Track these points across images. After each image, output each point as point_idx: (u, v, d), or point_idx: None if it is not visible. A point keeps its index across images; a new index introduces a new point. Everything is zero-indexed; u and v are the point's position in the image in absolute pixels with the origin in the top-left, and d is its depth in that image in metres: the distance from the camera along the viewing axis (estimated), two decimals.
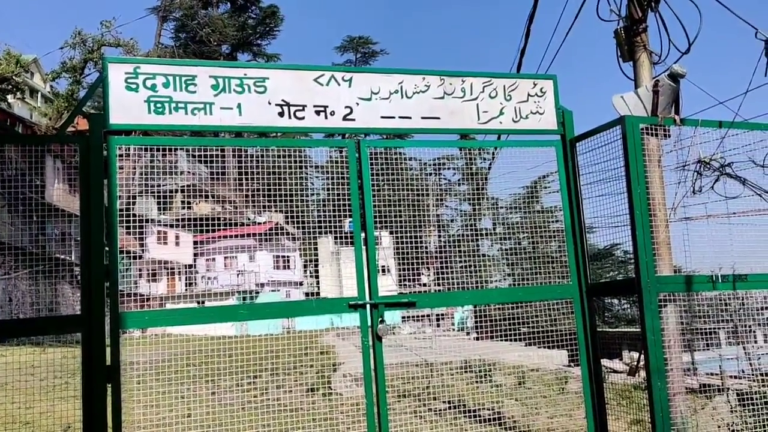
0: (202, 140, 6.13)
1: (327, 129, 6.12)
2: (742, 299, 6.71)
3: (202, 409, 7.52)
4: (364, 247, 6.08)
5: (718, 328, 7.22)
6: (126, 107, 5.53)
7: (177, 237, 21.19)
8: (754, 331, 7.40)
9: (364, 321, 5.94)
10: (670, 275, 6.18)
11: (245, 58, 69.62)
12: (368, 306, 5.96)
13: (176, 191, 18.74)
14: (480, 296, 6.73)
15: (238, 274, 18.85)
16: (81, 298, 5.17)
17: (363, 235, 6.14)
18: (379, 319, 5.95)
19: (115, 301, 5.29)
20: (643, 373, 14.21)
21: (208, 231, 17.44)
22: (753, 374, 8.38)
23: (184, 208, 19.22)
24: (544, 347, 7.65)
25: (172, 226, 18.97)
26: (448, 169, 10.13)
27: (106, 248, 5.32)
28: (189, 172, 17.88)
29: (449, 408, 9.49)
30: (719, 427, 6.42)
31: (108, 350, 5.25)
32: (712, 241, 6.39)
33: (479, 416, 8.48)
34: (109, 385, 5.19)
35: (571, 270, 6.57)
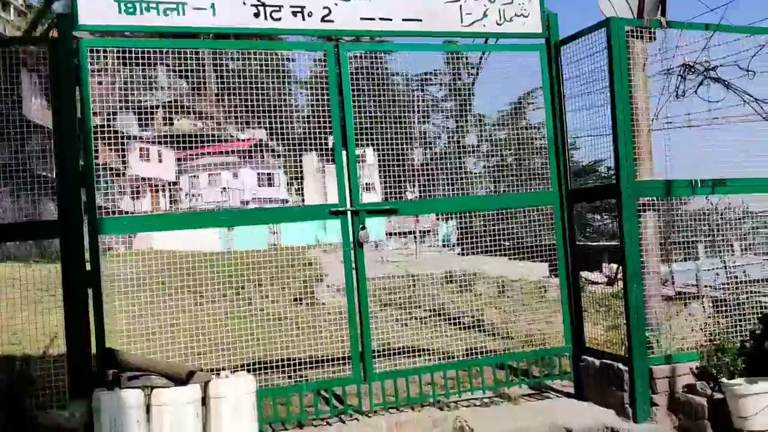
0: (175, 42, 5.90)
1: (305, 31, 5.91)
2: (721, 213, 6.71)
3: (187, 319, 7.56)
4: (345, 157, 5.98)
5: (697, 241, 7.25)
6: (95, 7, 5.29)
7: (159, 153, 20.93)
8: (732, 243, 7.46)
9: (345, 228, 5.91)
10: (650, 180, 6.16)
11: None
12: (349, 213, 5.92)
13: (157, 107, 18.41)
14: (461, 203, 6.70)
15: (222, 191, 18.75)
16: (57, 205, 5.07)
17: (345, 151, 6.04)
18: (360, 226, 5.92)
19: (93, 207, 5.21)
20: (621, 283, 14.49)
21: (190, 147, 17.19)
22: (729, 283, 8.58)
23: (165, 123, 18.90)
24: (527, 260, 7.74)
25: (153, 142, 18.69)
26: (434, 84, 9.80)
27: (81, 155, 5.20)
28: (169, 87, 17.47)
29: (431, 316, 9.62)
30: (692, 329, 6.54)
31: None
32: (694, 149, 6.34)
33: (461, 323, 8.61)
34: (90, 290, 5.18)
35: (552, 177, 6.53)
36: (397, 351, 6.78)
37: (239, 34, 6.13)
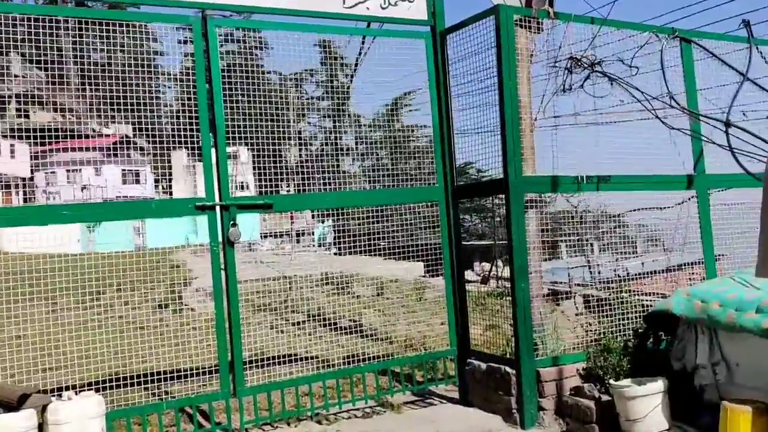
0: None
1: (166, 1, 5.07)
2: (581, 215, 6.52)
3: (36, 330, 6.50)
4: (214, 149, 5.20)
5: (563, 241, 7.11)
6: None
7: (12, 147, 18.78)
8: (592, 243, 7.38)
9: (213, 225, 5.13)
10: (538, 175, 5.81)
11: None
12: (218, 208, 5.14)
13: (10, 98, 16.47)
14: (341, 198, 6.06)
15: (82, 189, 17.09)
16: None
17: (214, 139, 5.25)
18: (231, 222, 5.16)
19: None
20: (493, 282, 14.47)
21: (48, 142, 15.52)
22: (593, 282, 8.59)
23: (20, 116, 16.96)
24: (405, 260, 7.37)
25: (5, 136, 16.63)
26: (310, 83, 9.64)
27: None
28: (23, 76, 15.66)
29: (308, 320, 8.95)
30: (575, 327, 6.29)
31: None
32: (578, 146, 6.09)
33: (339, 326, 8.01)
34: None
35: (438, 172, 6.06)
36: (271, 360, 6.06)
37: None
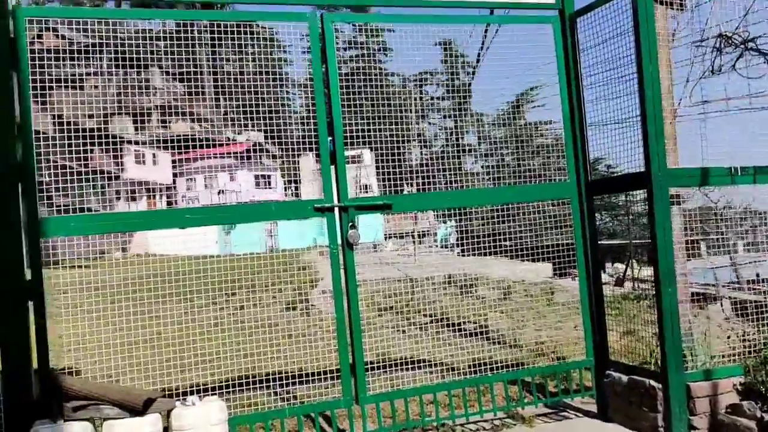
0: (129, 12, 4.90)
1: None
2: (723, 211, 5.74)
3: (173, 327, 6.64)
4: (332, 149, 4.98)
5: (703, 239, 6.35)
6: None
7: (154, 156, 19.89)
8: (735, 243, 6.57)
9: (331, 227, 4.90)
10: (684, 168, 5.14)
11: None
12: (336, 209, 4.91)
13: (151, 109, 17.42)
14: (464, 196, 5.65)
15: (219, 193, 17.74)
16: None
17: (331, 138, 5.03)
18: (350, 224, 4.91)
19: (33, 204, 4.20)
20: (628, 284, 13.49)
21: (186, 150, 16.23)
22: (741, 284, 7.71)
23: (160, 127, 17.92)
24: (532, 261, 6.90)
25: (147, 144, 17.70)
26: (430, 84, 8.98)
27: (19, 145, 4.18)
28: (163, 89, 16.50)
29: (432, 322, 8.62)
30: (728, 335, 5.54)
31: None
32: (727, 133, 5.34)
33: (464, 330, 7.63)
34: (31, 303, 4.16)
35: (569, 167, 5.53)
36: (394, 363, 5.78)
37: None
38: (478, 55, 7.10)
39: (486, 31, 5.67)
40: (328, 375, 5.64)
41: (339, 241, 4.90)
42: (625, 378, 5.23)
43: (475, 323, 8.81)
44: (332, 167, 5.03)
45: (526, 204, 5.80)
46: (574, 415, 5.64)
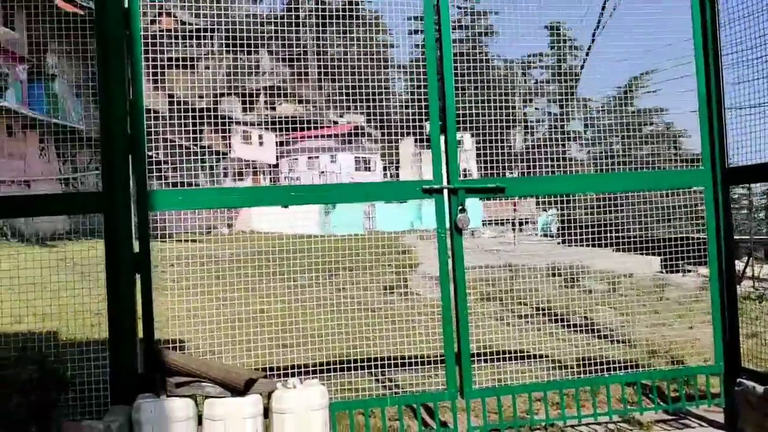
0: None
1: None
2: None
3: (276, 306, 6.58)
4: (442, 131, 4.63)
5: None
6: None
7: (260, 137, 20.22)
8: None
9: (440, 209, 4.57)
10: None
11: None
12: (446, 191, 4.57)
13: (258, 91, 17.69)
14: (585, 182, 5.17)
15: (320, 175, 17.80)
16: (101, 174, 4.00)
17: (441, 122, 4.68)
18: (459, 207, 4.56)
19: (143, 177, 4.10)
20: (746, 282, 12.43)
21: (290, 131, 16.35)
22: None
23: (267, 108, 18.17)
24: (638, 253, 6.44)
25: (255, 125, 17.99)
26: (536, 67, 8.91)
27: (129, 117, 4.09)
28: (270, 71, 16.65)
29: (536, 313, 8.16)
30: None
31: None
32: None
33: (570, 323, 7.14)
34: (138, 276, 4.09)
35: (704, 152, 4.93)
36: (498, 355, 5.41)
37: None
38: (593, 34, 6.59)
39: (603, 10, 5.14)
40: (430, 363, 5.37)
41: (447, 225, 4.57)
42: (760, 389, 4.63)
43: (582, 316, 8.27)
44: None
45: (634, 193, 5.32)
46: (698, 424, 5.08)
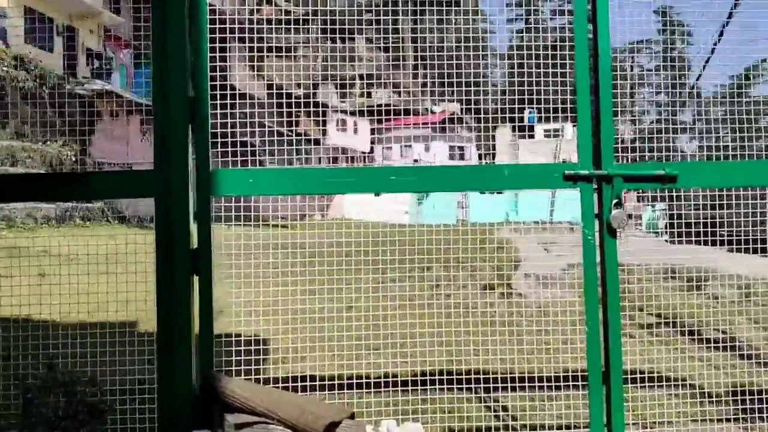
0: None
1: None
2: None
3: (365, 302, 5.65)
4: (593, 98, 3.40)
5: None
6: None
7: (355, 124, 19.28)
8: None
9: (587, 202, 3.34)
10: None
11: None
12: (595, 179, 3.34)
13: (354, 79, 16.86)
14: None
15: (414, 163, 16.73)
16: (154, 149, 3.00)
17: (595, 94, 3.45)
18: (614, 202, 3.32)
19: (205, 153, 3.10)
20: None
21: (385, 119, 15.40)
22: None
23: (362, 95, 17.24)
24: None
25: (350, 113, 17.10)
26: (644, 54, 8.08)
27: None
28: (367, 59, 15.72)
29: (660, 323, 6.80)
30: None
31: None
32: None
33: (706, 338, 5.81)
34: (196, 278, 3.08)
35: None
36: (627, 375, 4.18)
37: None
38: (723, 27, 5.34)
39: None
40: (549, 382, 4.22)
41: (596, 223, 3.36)
42: None
43: (717, 329, 6.83)
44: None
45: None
46: None
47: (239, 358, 3.79)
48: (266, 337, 4.40)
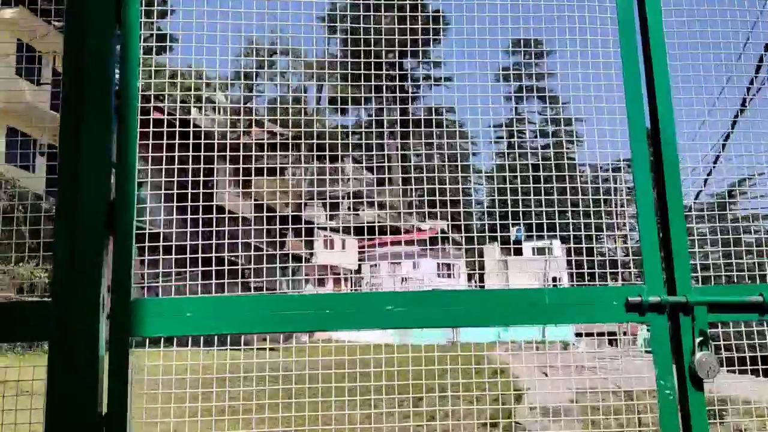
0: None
1: None
2: None
3: None
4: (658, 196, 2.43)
5: None
6: None
7: (343, 241, 18.43)
8: None
9: (661, 340, 2.26)
10: None
11: None
12: (668, 307, 2.28)
13: (342, 197, 16.33)
14: None
15: (402, 281, 15.75)
16: (54, 270, 1.91)
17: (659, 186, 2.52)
18: (700, 338, 2.25)
19: (126, 274, 2.01)
20: None
21: (372, 237, 14.67)
22: None
23: (350, 214, 16.62)
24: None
25: (337, 231, 16.35)
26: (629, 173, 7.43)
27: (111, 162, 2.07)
28: (354, 178, 15.23)
29: None
30: None
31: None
32: None
33: None
34: None
35: None
36: None
37: None
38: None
39: None
40: None
41: (673, 371, 2.26)
42: None
43: None
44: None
45: None
46: None
47: None
48: None
